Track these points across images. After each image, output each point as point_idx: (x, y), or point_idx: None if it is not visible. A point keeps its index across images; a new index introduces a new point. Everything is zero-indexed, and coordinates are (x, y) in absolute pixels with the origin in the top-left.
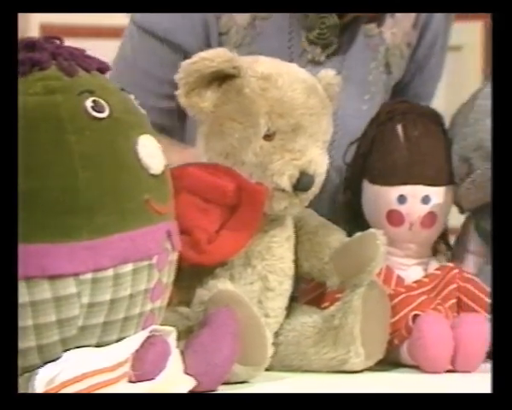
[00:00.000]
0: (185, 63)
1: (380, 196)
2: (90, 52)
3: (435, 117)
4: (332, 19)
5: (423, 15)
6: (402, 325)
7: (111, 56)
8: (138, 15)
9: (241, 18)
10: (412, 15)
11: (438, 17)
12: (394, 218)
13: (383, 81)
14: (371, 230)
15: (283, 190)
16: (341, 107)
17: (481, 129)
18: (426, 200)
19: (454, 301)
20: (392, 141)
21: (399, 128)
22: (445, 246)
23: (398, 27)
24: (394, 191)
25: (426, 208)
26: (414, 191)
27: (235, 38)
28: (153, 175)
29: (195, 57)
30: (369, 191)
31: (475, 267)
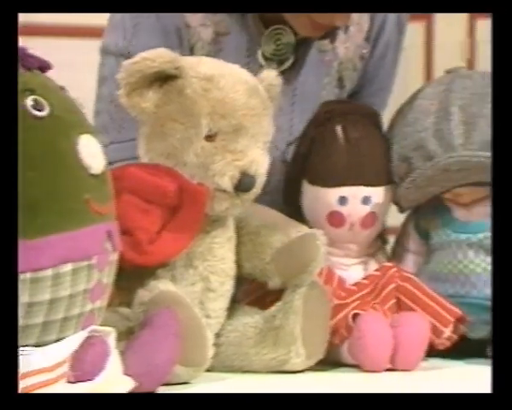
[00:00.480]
0: (127, 63)
1: (320, 198)
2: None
3: (374, 117)
4: (288, 36)
5: (375, 27)
6: (342, 325)
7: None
8: (113, 45)
9: (206, 33)
10: (364, 29)
11: (389, 29)
12: (335, 219)
13: (336, 95)
14: (312, 230)
15: (225, 191)
16: (295, 122)
17: (421, 129)
18: (366, 201)
19: (393, 301)
20: (333, 143)
21: (339, 129)
22: (382, 244)
23: (351, 42)
24: (335, 193)
25: (366, 209)
26: (354, 192)
27: (201, 53)
28: (93, 175)
29: (137, 57)
30: (309, 192)
31: (415, 266)
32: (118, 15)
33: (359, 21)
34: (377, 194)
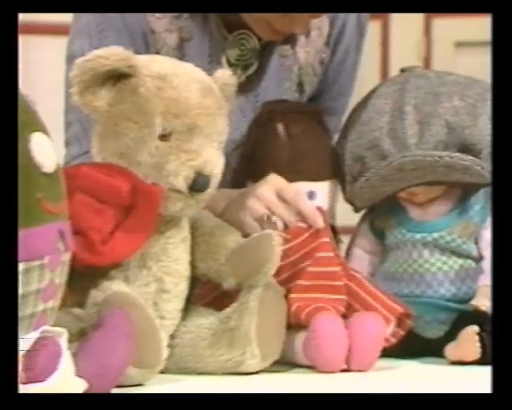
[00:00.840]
0: (80, 61)
1: None
2: None
3: (315, 114)
4: (252, 41)
5: (335, 32)
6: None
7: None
8: (80, 52)
9: (171, 39)
10: (325, 33)
11: (349, 33)
12: None
13: (296, 100)
14: (267, 230)
15: (179, 191)
16: None
17: (375, 128)
18: (311, 195)
19: None
20: (274, 141)
21: (280, 127)
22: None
23: (311, 46)
24: None
25: (312, 204)
26: (299, 188)
27: None
28: (45, 174)
29: (90, 55)
30: None
31: (370, 266)
32: (82, 21)
33: (320, 26)
34: (322, 188)
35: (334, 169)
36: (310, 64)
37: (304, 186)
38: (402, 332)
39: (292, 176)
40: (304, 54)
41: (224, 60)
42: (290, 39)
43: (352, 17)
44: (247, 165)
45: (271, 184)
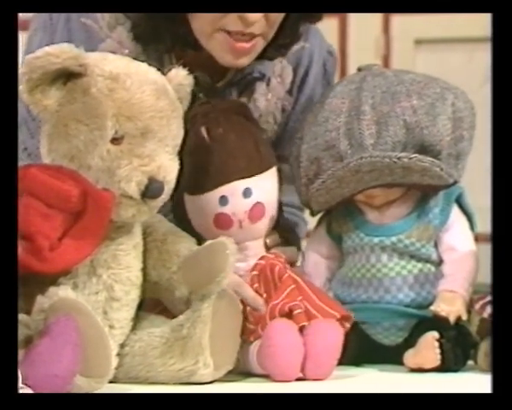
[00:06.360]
0: (29, 58)
1: (202, 205)
2: None
3: (238, 107)
4: (208, 80)
5: (298, 80)
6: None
7: None
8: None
9: None
10: (287, 81)
11: (313, 82)
12: (222, 221)
13: None
14: (221, 238)
15: (131, 197)
16: None
17: (331, 128)
18: (247, 193)
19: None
20: (199, 147)
21: (202, 131)
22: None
23: (272, 94)
24: (213, 195)
25: (250, 202)
26: (232, 189)
27: None
28: None
29: (40, 52)
30: (192, 203)
31: (328, 272)
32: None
33: (281, 73)
34: (257, 183)
35: (266, 160)
36: (270, 112)
37: (236, 186)
38: None
39: (223, 177)
40: (264, 102)
41: None
42: (248, 87)
43: (316, 65)
44: (179, 178)
45: None
